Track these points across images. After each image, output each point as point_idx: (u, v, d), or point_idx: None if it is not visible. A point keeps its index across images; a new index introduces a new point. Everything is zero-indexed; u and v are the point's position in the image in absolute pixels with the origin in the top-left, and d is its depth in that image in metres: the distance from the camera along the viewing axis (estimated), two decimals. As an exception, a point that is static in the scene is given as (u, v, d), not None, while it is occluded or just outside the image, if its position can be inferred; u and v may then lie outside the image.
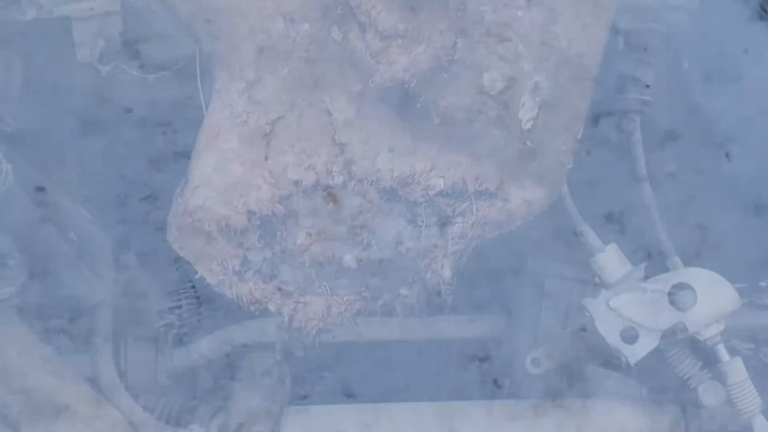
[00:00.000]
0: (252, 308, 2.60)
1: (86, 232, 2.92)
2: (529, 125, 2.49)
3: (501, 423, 2.80)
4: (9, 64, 2.87)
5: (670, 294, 2.66)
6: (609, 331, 2.66)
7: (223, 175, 2.57)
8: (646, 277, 2.68)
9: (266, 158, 2.58)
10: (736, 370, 2.68)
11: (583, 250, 2.74)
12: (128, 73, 2.94)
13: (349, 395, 3.12)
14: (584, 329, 2.75)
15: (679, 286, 2.67)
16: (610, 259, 2.69)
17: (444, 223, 2.54)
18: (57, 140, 3.08)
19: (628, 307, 2.66)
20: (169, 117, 3.07)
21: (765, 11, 3.03)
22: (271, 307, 2.63)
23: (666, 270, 2.75)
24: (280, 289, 2.62)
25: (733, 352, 2.72)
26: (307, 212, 2.58)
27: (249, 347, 2.98)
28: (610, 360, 2.74)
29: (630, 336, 2.65)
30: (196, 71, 2.83)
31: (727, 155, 3.09)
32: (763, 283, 2.98)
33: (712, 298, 2.67)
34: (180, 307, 2.97)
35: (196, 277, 2.57)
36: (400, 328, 3.01)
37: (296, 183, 2.56)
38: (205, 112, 2.71)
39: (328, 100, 2.57)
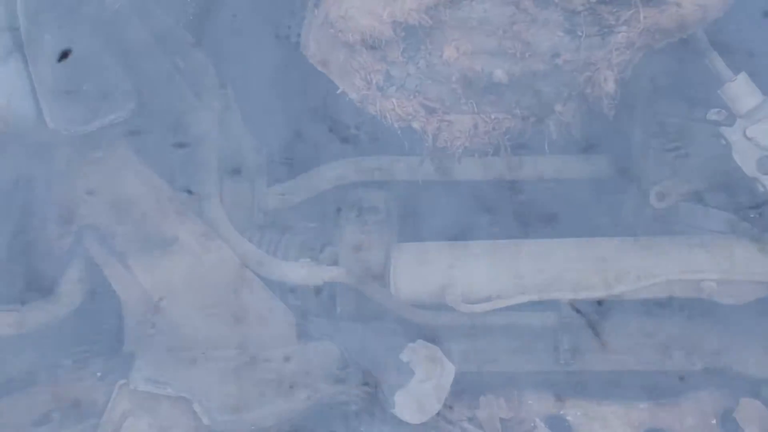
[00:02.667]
0: (396, 125, 2.47)
1: (192, 58, 2.81)
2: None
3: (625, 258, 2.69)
4: None
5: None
6: (745, 161, 2.50)
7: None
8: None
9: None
10: None
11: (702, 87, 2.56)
12: None
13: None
14: (712, 159, 2.61)
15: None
16: (742, 88, 2.50)
17: (606, 32, 2.35)
18: None
19: (766, 136, 2.49)
20: None
21: None
22: (415, 125, 2.48)
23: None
24: (424, 106, 2.47)
25: None
26: (454, 23, 2.41)
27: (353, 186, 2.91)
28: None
29: (767, 166, 2.50)
30: None
31: None
32: None
33: None
34: None
35: (338, 92, 2.45)
36: (506, 168, 2.88)
37: (444, -9, 2.39)
38: None
39: None
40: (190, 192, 2.76)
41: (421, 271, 2.64)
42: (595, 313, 2.71)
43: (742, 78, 2.49)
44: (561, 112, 2.42)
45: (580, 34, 2.34)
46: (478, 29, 2.39)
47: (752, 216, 2.64)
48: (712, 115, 2.53)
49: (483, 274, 2.61)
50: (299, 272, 2.66)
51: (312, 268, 2.66)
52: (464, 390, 2.61)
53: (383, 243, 2.71)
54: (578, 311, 2.69)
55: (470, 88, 2.43)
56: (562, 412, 2.61)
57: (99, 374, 2.66)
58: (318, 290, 2.74)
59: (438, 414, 2.53)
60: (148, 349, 2.64)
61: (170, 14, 2.79)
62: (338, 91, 2.43)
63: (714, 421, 2.57)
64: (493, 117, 2.46)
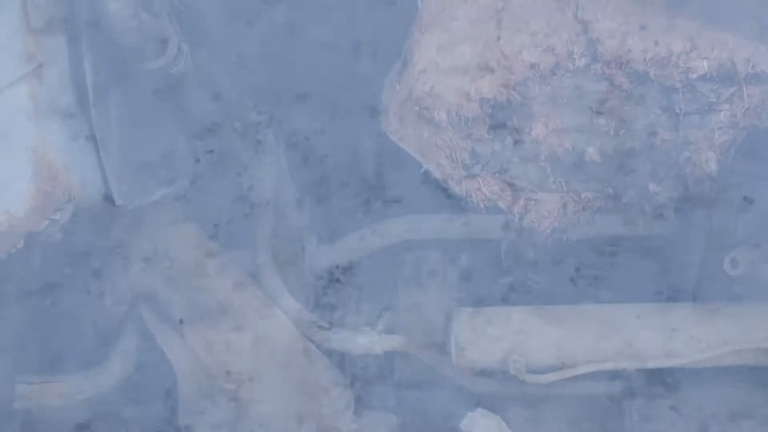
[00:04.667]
0: (481, 205, 2.38)
1: (249, 120, 2.75)
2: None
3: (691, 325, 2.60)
4: None
5: None
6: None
7: (452, 58, 2.30)
8: None
9: (499, 38, 2.30)
10: None
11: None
12: None
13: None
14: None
15: None
16: None
17: (707, 110, 2.26)
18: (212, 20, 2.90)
19: None
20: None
21: None
22: (501, 204, 2.39)
23: None
24: (510, 185, 2.38)
25: None
26: (544, 99, 2.32)
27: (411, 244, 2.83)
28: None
29: None
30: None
31: None
32: None
33: None
34: None
35: (422, 170, 2.36)
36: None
37: (533, 66, 2.28)
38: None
39: (570, -26, 2.29)
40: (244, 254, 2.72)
41: (483, 338, 2.55)
42: (664, 381, 2.62)
43: None
44: (656, 192, 2.32)
45: (678, 111, 2.25)
46: (569, 105, 2.31)
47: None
48: None
49: (548, 341, 2.52)
50: (358, 342, 2.60)
51: (371, 337, 2.59)
52: (525, 460, 2.54)
53: (443, 308, 2.65)
54: (646, 379, 2.60)
55: (559, 167, 2.34)
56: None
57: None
58: (377, 358, 2.69)
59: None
60: (204, 421, 2.59)
61: (231, 81, 2.77)
62: (422, 170, 2.35)
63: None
64: (583, 196, 2.36)
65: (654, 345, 2.46)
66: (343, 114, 2.78)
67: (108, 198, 2.47)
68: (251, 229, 2.74)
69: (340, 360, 2.66)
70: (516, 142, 2.33)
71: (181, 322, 2.61)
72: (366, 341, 2.60)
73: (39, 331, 2.70)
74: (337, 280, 2.82)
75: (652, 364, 2.44)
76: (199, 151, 2.69)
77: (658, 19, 2.23)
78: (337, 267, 2.83)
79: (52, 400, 2.59)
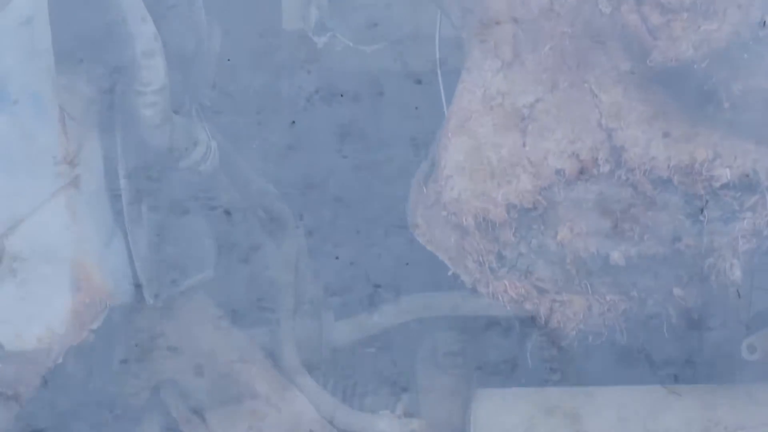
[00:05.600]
0: (508, 307, 2.40)
1: (274, 208, 2.79)
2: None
3: (709, 409, 2.59)
4: (210, 35, 2.71)
5: None
6: None
7: (479, 163, 2.34)
8: None
9: (524, 144, 2.34)
10: None
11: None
12: (344, 43, 2.76)
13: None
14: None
15: None
16: None
17: (730, 218, 2.28)
18: (249, 114, 2.94)
19: None
20: (383, 89, 2.88)
21: None
22: (528, 306, 2.41)
23: None
24: (536, 287, 2.41)
25: None
26: (569, 204, 2.35)
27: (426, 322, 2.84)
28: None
29: None
30: (410, 44, 2.66)
31: None
32: None
33: None
34: None
35: (449, 273, 2.39)
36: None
37: (558, 172, 2.31)
38: (442, 90, 2.51)
39: (592, 80, 2.30)
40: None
41: (504, 422, 2.55)
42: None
43: None
44: (681, 296, 2.34)
45: (702, 218, 2.27)
46: (594, 210, 2.34)
47: None
48: None
49: (568, 424, 2.52)
50: (378, 426, 2.61)
51: (391, 421, 2.60)
52: None
53: (462, 390, 2.65)
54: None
55: (584, 270, 2.36)
56: None
57: None
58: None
59: None
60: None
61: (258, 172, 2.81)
62: (449, 273, 2.38)
63: None
64: (608, 299, 2.38)
65: (671, 429, 2.48)
66: (370, 219, 2.82)
67: (139, 296, 2.51)
68: (271, 308, 2.78)
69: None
70: (541, 246, 2.36)
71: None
72: (385, 425, 2.60)
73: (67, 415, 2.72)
74: (355, 358, 2.84)
75: None
76: (223, 238, 2.73)
77: (681, 126, 2.27)
78: (355, 344, 2.85)
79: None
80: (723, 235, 2.28)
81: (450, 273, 2.37)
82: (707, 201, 2.26)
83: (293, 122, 2.89)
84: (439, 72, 2.50)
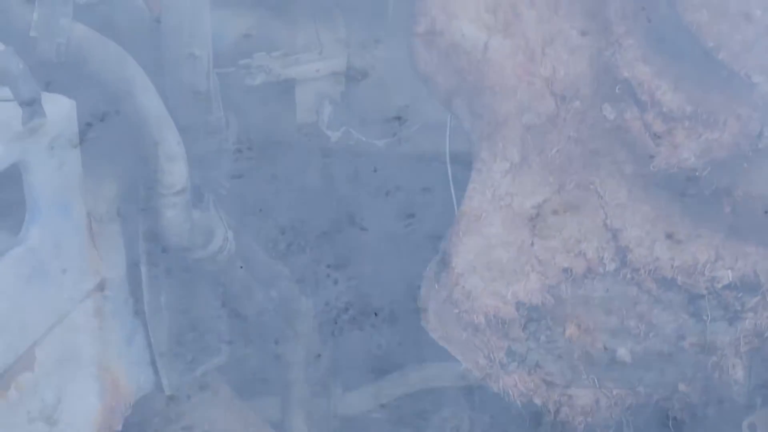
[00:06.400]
0: (518, 401, 2.47)
1: (286, 290, 2.86)
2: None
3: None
4: (226, 123, 2.80)
5: None
6: None
7: (488, 262, 2.42)
8: None
9: (533, 244, 2.42)
10: None
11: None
12: (357, 137, 2.84)
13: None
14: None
15: None
16: None
17: (733, 318, 2.35)
18: (263, 202, 3.01)
19: None
20: (397, 183, 2.95)
21: None
22: (537, 400, 2.47)
23: None
24: (545, 381, 2.47)
25: None
26: (576, 301, 2.42)
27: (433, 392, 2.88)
28: None
29: None
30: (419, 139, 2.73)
31: None
32: None
33: None
34: None
35: (462, 368, 2.46)
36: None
37: (566, 271, 2.39)
38: (452, 187, 2.59)
39: (597, 182, 2.39)
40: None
41: None
42: None
43: None
44: (686, 392, 2.40)
45: (705, 318, 2.35)
46: (600, 307, 2.41)
47: None
48: None
49: None
50: None
51: None
52: None
53: None
54: None
55: (592, 365, 2.42)
56: None
57: None
58: None
59: None
60: None
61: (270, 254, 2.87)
62: (462, 367, 2.45)
63: None
64: (615, 393, 2.44)
65: None
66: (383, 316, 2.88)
67: (157, 385, 2.56)
68: (280, 382, 2.83)
69: None
70: (550, 341, 2.43)
71: None
72: None
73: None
74: (364, 429, 2.87)
75: None
76: (236, 320, 2.78)
77: (684, 228, 2.34)
78: (364, 414, 2.88)
79: None
80: (725, 335, 2.34)
81: (462, 367, 2.45)
82: (710, 301, 2.34)
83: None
84: (449, 170, 2.59)
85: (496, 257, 2.41)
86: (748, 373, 2.31)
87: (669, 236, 2.35)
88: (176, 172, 2.41)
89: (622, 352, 2.40)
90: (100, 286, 2.21)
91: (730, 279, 2.31)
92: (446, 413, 2.82)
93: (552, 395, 2.47)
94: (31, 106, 1.82)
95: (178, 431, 2.66)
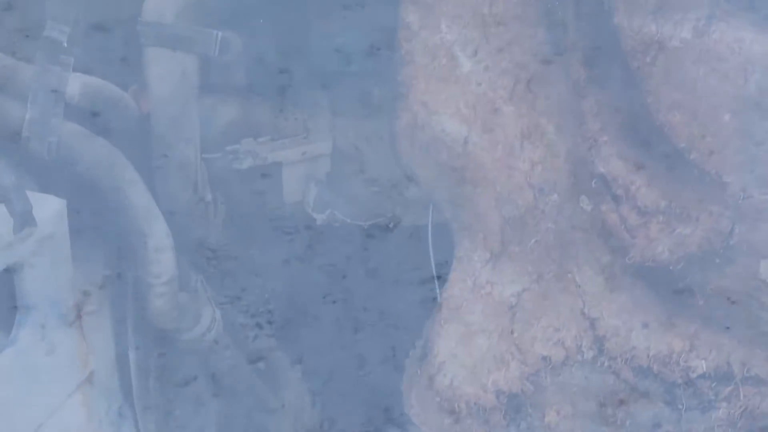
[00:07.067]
0: (497, 485, 2.52)
1: (273, 361, 2.91)
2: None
3: None
4: (214, 206, 2.86)
5: None
6: None
7: (469, 350, 2.48)
8: None
9: (512, 332, 2.48)
10: None
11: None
12: (343, 220, 2.90)
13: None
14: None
15: None
16: None
17: (707, 407, 2.41)
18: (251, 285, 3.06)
19: None
20: (377, 264, 3.01)
21: None
22: (518, 485, 2.55)
23: None
24: (527, 465, 2.54)
25: None
26: (555, 388, 2.48)
27: None
28: None
29: None
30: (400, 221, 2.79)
31: None
32: None
33: None
34: None
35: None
36: None
37: (545, 359, 2.45)
38: (434, 270, 2.65)
39: (575, 271, 2.45)
40: None
41: None
42: None
43: None
44: (663, 479, 2.46)
45: (680, 406, 2.40)
46: (579, 395, 2.46)
47: None
48: None
49: None
50: None
51: None
52: None
53: None
54: None
55: (571, 449, 2.49)
56: None
57: None
58: None
59: None
60: None
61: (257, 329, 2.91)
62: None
63: None
64: (595, 474, 2.50)
65: None
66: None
67: None
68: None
69: None
70: (530, 428, 2.48)
71: None
72: None
73: None
74: None
75: None
76: (223, 397, 2.83)
77: (659, 318, 2.40)
78: None
79: None
80: (700, 423, 2.39)
81: (442, 452, 2.50)
82: (685, 390, 2.40)
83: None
84: (431, 254, 2.65)
85: (476, 345, 2.47)
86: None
87: (645, 326, 2.41)
88: (164, 262, 2.47)
89: (600, 441, 2.46)
90: (89, 379, 2.27)
91: (705, 369, 2.36)
92: None
93: (532, 480, 2.53)
94: (23, 217, 1.90)
95: None
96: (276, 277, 2.97)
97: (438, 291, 2.57)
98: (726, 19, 2.14)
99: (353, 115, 2.83)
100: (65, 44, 2.17)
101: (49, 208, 2.09)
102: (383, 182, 2.85)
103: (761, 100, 2.15)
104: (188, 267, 2.68)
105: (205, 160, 2.73)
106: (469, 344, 2.46)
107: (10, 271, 2.06)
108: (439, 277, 2.58)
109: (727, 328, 2.30)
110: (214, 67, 2.63)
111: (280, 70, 2.80)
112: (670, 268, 2.30)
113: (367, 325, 2.86)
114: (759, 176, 2.17)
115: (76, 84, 2.30)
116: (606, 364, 2.42)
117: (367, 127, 2.85)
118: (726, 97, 2.17)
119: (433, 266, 2.56)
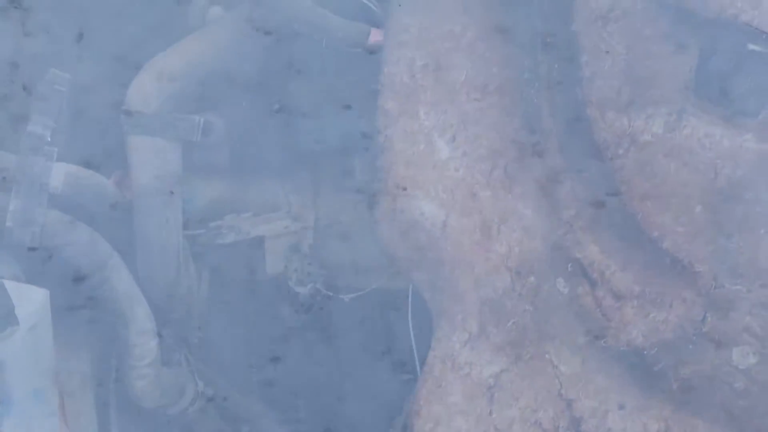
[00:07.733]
0: None
1: (261, 427, 2.95)
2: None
3: None
4: (198, 278, 2.89)
5: None
6: None
7: (449, 431, 2.52)
8: None
9: (491, 413, 2.51)
10: None
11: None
12: (325, 294, 2.93)
13: None
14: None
15: None
16: None
17: (684, 488, 2.45)
18: (235, 354, 3.09)
19: None
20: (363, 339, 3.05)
21: None
22: None
23: None
24: None
25: None
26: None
27: None
28: None
29: None
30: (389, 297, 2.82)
31: None
32: None
33: None
34: None
35: None
36: None
37: (523, 440, 2.50)
38: (415, 350, 2.69)
39: (552, 352, 2.49)
40: None
41: None
42: None
43: None
44: None
45: (657, 487, 2.44)
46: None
47: None
48: None
49: None
50: None
51: None
52: None
53: None
54: None
55: None
56: None
57: None
58: None
59: None
60: None
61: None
62: None
63: None
64: None
65: None
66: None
67: None
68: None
69: None
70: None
71: None
72: None
73: None
74: None
75: None
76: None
77: (635, 399, 2.43)
78: None
79: None
80: None
81: None
82: (660, 471, 2.43)
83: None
84: (411, 332, 2.68)
85: (456, 426, 2.49)
86: None
87: (621, 407, 2.44)
88: (146, 345, 2.50)
89: None
90: (72, 457, 2.29)
91: (679, 450, 2.41)
92: None
93: None
94: (5, 317, 1.93)
95: None
96: (259, 349, 3.01)
97: (418, 369, 2.61)
98: (697, 114, 2.19)
99: (336, 189, 2.87)
100: (49, 138, 2.21)
101: (32, 300, 2.12)
102: (366, 256, 2.89)
103: (731, 194, 2.20)
104: (173, 341, 2.73)
105: (189, 236, 2.77)
106: (449, 426, 2.47)
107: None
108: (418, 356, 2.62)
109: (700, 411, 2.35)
110: (197, 147, 2.68)
111: (263, 147, 2.85)
112: (645, 353, 2.34)
113: (348, 396, 2.90)
114: (730, 267, 2.21)
115: (59, 173, 2.34)
116: (586, 445, 2.46)
117: (349, 200, 2.90)
118: (697, 189, 2.21)
119: (414, 345, 2.59)
